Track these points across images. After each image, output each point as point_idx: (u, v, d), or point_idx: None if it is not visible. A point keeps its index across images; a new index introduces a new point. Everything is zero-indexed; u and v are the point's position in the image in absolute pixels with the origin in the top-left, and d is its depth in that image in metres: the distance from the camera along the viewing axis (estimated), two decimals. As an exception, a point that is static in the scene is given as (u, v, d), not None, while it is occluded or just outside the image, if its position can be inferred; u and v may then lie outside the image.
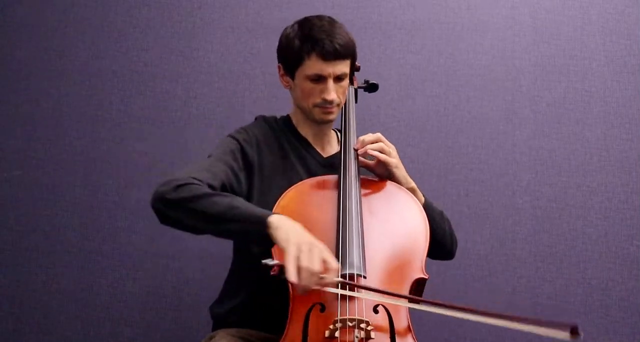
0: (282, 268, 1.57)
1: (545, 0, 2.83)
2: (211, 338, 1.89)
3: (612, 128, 2.75)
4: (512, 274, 2.64)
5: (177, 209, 1.72)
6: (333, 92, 1.93)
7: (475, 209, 2.68)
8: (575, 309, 2.61)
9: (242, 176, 1.92)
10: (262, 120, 2.10)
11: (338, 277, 1.61)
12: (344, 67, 1.94)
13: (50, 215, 2.64)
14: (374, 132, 1.98)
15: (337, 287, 1.61)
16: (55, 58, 2.75)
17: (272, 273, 1.59)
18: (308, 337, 1.60)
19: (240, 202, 1.73)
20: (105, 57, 2.76)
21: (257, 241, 1.73)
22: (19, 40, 2.75)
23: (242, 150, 1.96)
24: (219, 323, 1.99)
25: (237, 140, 1.98)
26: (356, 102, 2.14)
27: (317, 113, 1.98)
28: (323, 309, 1.64)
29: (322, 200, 1.86)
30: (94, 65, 2.75)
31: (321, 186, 1.91)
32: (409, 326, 1.66)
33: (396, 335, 1.62)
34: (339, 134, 2.16)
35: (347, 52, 1.94)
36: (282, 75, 2.03)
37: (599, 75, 2.78)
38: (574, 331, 1.46)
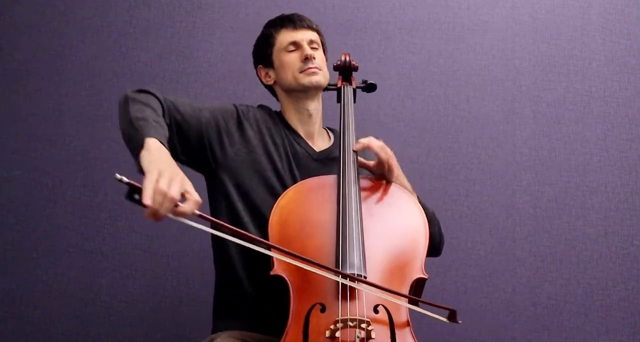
0: (133, 188, 1.51)
1: (545, 0, 2.83)
2: (212, 340, 1.88)
3: (612, 128, 2.74)
4: (512, 274, 2.64)
5: (122, 106, 1.76)
6: (309, 50, 2.04)
7: (475, 209, 2.68)
8: (575, 309, 2.61)
9: (225, 136, 1.95)
10: (265, 108, 2.14)
11: (195, 211, 1.52)
12: (313, 36, 2.08)
13: (50, 215, 2.64)
14: (373, 132, 1.99)
15: (192, 215, 1.52)
16: (55, 58, 2.75)
17: (127, 196, 1.52)
18: (309, 338, 1.60)
19: (154, 119, 1.71)
20: (105, 57, 2.76)
21: (136, 159, 1.65)
22: (19, 40, 2.75)
23: (238, 119, 2.01)
24: (220, 325, 1.97)
25: (237, 108, 2.04)
26: (354, 102, 2.15)
27: (303, 78, 2.04)
28: (323, 309, 1.64)
29: (321, 200, 1.86)
30: (94, 65, 2.75)
31: (321, 186, 1.90)
32: (409, 325, 1.66)
33: (396, 335, 1.62)
34: (328, 131, 2.18)
35: (311, 24, 2.10)
36: (264, 75, 2.12)
37: (599, 75, 2.78)
38: (452, 316, 1.70)
